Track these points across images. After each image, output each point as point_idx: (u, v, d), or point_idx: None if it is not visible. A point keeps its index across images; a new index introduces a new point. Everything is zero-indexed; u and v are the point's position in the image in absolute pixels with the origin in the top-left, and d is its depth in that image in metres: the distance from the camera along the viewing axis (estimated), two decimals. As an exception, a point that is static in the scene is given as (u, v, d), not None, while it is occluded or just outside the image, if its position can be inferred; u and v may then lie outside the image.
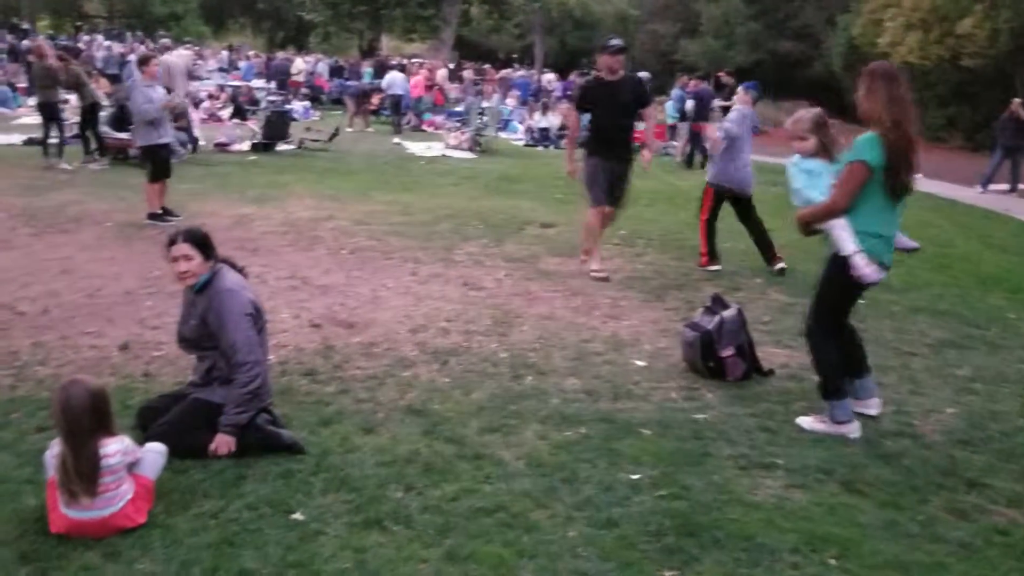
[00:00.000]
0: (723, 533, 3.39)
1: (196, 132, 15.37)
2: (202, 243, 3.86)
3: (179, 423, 3.77)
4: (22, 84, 21.92)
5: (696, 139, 17.16)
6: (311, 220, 9.55)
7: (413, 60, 30.48)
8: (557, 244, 8.93)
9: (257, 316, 3.93)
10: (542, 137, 20.48)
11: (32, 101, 19.71)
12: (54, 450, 3.14)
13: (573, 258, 8.27)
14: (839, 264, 4.20)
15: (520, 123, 23.09)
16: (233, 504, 3.37)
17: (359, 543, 3.17)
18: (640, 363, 5.36)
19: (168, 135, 9.49)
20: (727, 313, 5.17)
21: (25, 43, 27.73)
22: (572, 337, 5.82)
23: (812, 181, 4.34)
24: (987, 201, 14.67)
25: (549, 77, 28.63)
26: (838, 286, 4.30)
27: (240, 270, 4.01)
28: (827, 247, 4.36)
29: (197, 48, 21.90)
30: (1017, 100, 16.16)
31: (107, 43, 30.27)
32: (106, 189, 10.93)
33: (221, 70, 29.19)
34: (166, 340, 5.29)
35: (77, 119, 13.59)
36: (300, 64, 28.83)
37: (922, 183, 15.78)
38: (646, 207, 11.79)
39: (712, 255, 8.11)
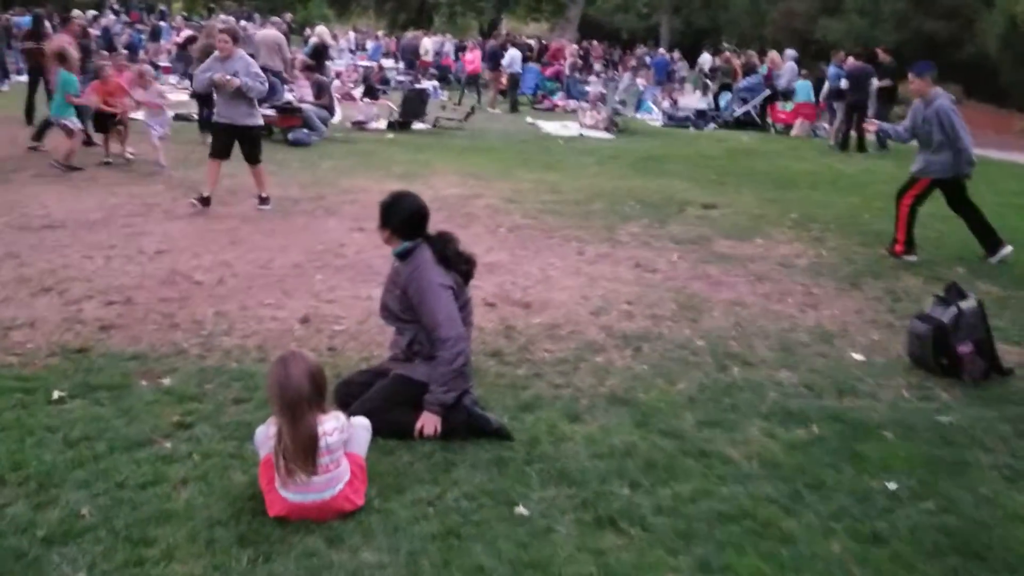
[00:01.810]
0: (1015, 557, 2.87)
1: (341, 109, 15.39)
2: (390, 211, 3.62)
3: (383, 400, 3.50)
4: (165, 63, 22.63)
5: (852, 120, 16.14)
6: (460, 198, 9.29)
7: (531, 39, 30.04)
8: (725, 226, 8.38)
9: (458, 291, 3.62)
10: (683, 118, 19.77)
11: (173, 79, 20.42)
12: (270, 429, 2.89)
13: (747, 241, 7.73)
14: None
15: (654, 103, 22.41)
16: (450, 492, 3.06)
17: (595, 544, 2.81)
18: (857, 357, 4.82)
19: (222, 113, 7.92)
20: (966, 304, 4.57)
21: (163, 23, 28.79)
22: (771, 326, 5.32)
23: None
24: None
25: (705, 58, 27.72)
26: None
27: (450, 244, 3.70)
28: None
29: (284, 26, 22.08)
30: None
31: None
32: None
33: (350, 51, 29.55)
34: (344, 314, 5.09)
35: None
36: (428, 44, 28.85)
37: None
38: (811, 190, 11.08)
39: (910, 243, 7.40)
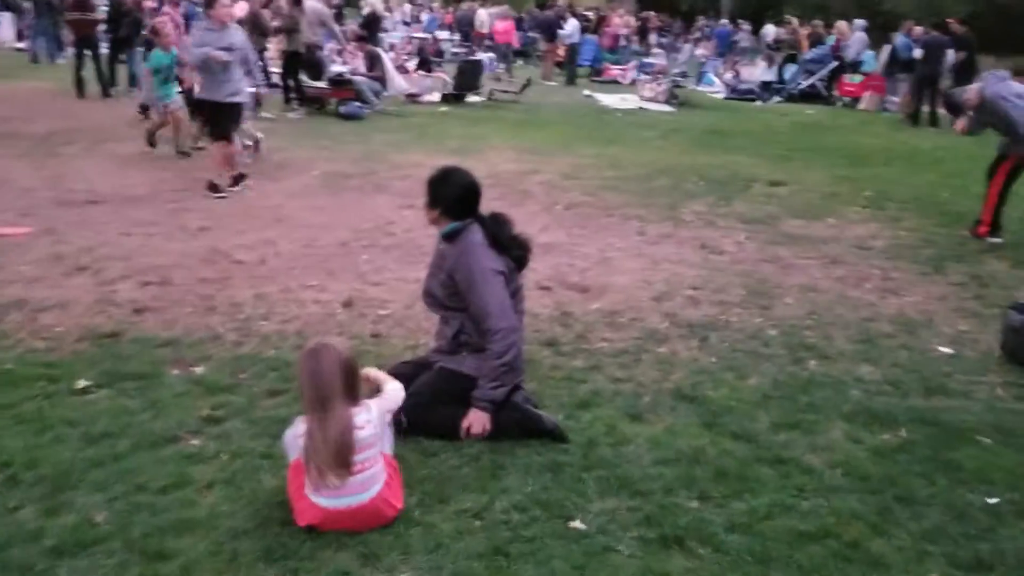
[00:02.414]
0: None
1: (397, 82, 15.09)
2: (438, 188, 3.31)
3: (428, 396, 3.22)
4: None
5: (923, 93, 15.37)
6: (516, 173, 8.96)
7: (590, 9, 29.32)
8: (794, 205, 7.92)
9: (510, 277, 3.31)
10: (746, 91, 19.10)
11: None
12: (298, 428, 2.63)
13: (818, 221, 7.28)
14: None
15: (716, 75, 21.71)
16: (499, 501, 2.78)
17: (662, 567, 2.50)
18: (945, 350, 4.41)
19: (226, 93, 7.19)
20: (1070, 294, 4.13)
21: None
22: (849, 314, 4.91)
23: None
24: None
25: (769, 29, 26.79)
26: None
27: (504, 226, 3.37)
28: None
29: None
30: None
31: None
32: (306, 138, 10.76)
33: (404, 23, 29.21)
34: (390, 298, 4.83)
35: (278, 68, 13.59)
36: (483, 16, 28.38)
37: None
38: (884, 167, 10.50)
39: (996, 225, 6.88)
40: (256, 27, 12.40)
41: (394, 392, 2.89)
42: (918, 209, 7.95)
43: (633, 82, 20.26)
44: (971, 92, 6.86)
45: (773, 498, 2.88)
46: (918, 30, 16.55)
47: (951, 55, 15.48)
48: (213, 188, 7.22)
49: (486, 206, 3.40)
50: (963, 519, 2.82)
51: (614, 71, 22.15)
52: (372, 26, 16.92)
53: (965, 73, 15.95)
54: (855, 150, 11.79)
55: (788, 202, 8.04)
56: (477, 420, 3.14)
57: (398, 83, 16.00)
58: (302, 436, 2.60)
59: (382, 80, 14.35)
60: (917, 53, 15.62)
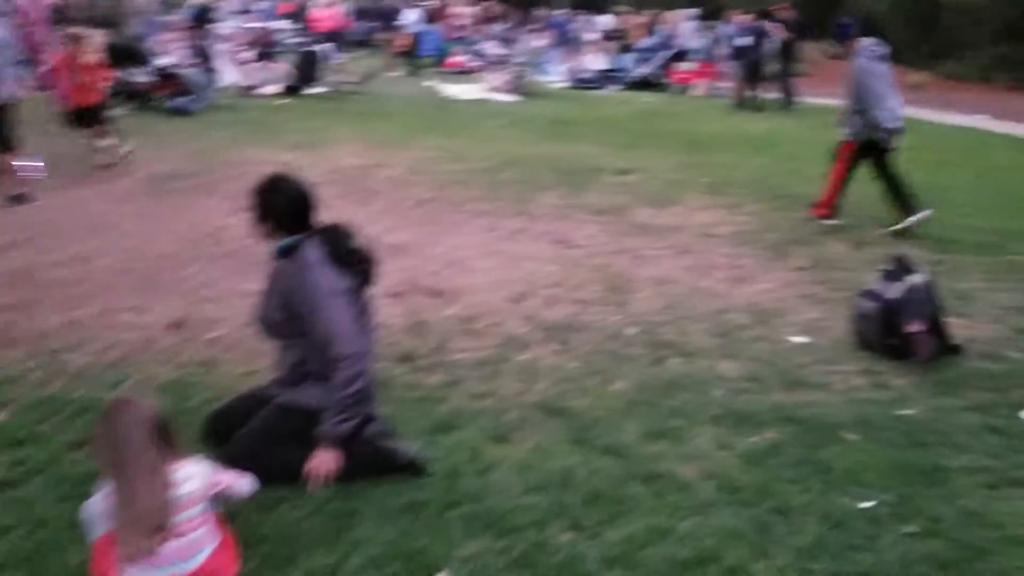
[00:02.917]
0: (1018, 592, 2.47)
1: (231, 74, 14.28)
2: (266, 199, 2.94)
3: (266, 435, 2.87)
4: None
5: (753, 79, 15.96)
6: (360, 168, 8.57)
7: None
8: (642, 193, 7.91)
9: (356, 295, 2.98)
10: (587, 79, 19.27)
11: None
12: (103, 501, 2.22)
13: (666, 209, 7.29)
14: None
15: (556, 64, 21.85)
16: (353, 557, 2.47)
17: (536, 619, 2.27)
18: (799, 339, 4.41)
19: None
20: (914, 279, 4.19)
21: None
22: (703, 305, 4.86)
23: None
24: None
25: (605, 19, 27.09)
26: None
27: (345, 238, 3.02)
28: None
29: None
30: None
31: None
32: (130, 137, 9.95)
33: (239, 12, 27.88)
34: (222, 317, 4.39)
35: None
36: (329, 5, 27.46)
37: (992, 123, 14.73)
38: (720, 152, 10.73)
39: (835, 208, 6.99)
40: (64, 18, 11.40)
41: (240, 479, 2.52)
42: (757, 194, 8.11)
43: (476, 71, 20.08)
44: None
45: (649, 521, 2.71)
46: (745, 18, 17.14)
47: (775, 40, 16.15)
48: (16, 199, 6.47)
49: (329, 204, 3.06)
50: (842, 528, 2.73)
51: (458, 61, 21.89)
52: (203, 15, 15.95)
53: (788, 57, 16.67)
54: (692, 136, 12.03)
55: (636, 191, 8.03)
56: (323, 461, 2.79)
57: (232, 75, 15.15)
58: (108, 507, 2.19)
59: (213, 72, 13.54)
60: (743, 40, 16.19)
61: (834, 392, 3.79)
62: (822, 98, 17.15)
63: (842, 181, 6.91)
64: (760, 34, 16.01)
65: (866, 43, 6.70)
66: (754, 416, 3.48)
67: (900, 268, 4.27)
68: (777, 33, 16.16)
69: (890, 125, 6.57)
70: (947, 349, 4.22)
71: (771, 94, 16.22)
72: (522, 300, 4.83)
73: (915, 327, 4.10)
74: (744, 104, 15.96)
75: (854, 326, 4.34)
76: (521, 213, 6.95)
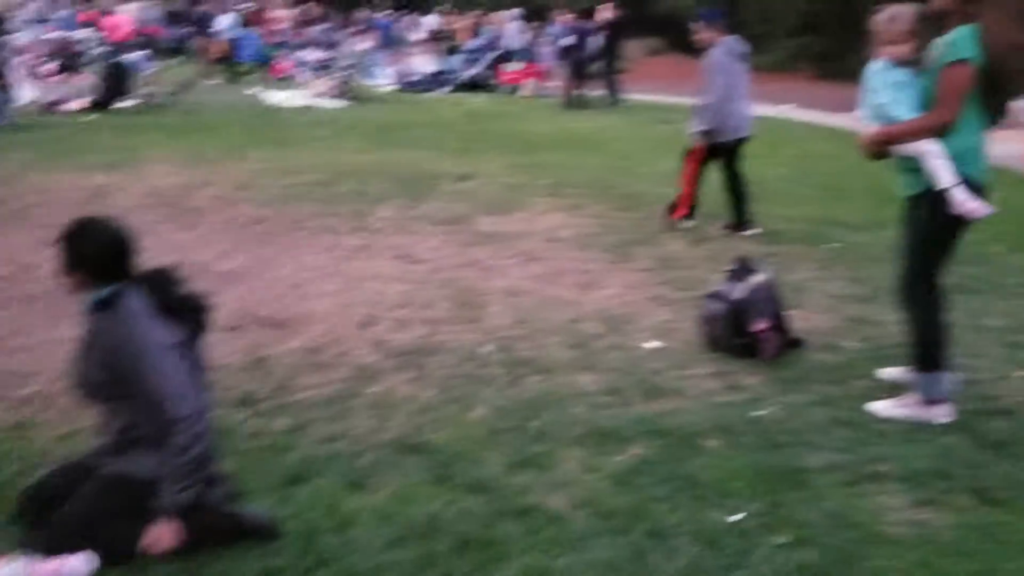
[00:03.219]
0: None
1: (29, 90, 13.15)
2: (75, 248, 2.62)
3: (94, 512, 2.54)
4: None
5: (579, 78, 16.27)
6: (182, 188, 8.05)
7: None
8: (483, 199, 7.83)
9: (187, 347, 2.69)
10: (416, 82, 19.07)
11: None
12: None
13: (508, 215, 7.24)
14: (936, 201, 3.38)
15: (385, 67, 21.54)
16: (203, 645, 2.21)
17: None
18: (652, 345, 4.42)
19: None
20: (757, 279, 4.29)
21: None
22: (555, 316, 4.81)
23: (898, 95, 3.46)
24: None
25: (430, 19, 26.83)
26: (937, 228, 3.48)
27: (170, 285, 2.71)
28: (906, 184, 3.53)
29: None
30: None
31: None
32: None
33: (36, 22, 25.86)
34: (35, 370, 3.94)
35: None
36: (132, 11, 25.88)
37: (799, 113, 15.68)
38: (554, 152, 10.84)
39: (692, 208, 6.90)
40: None
41: None
42: (596, 194, 8.20)
43: (300, 77, 19.48)
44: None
45: (525, 563, 2.58)
46: (568, 18, 17.46)
47: (598, 39, 16.54)
48: None
49: (149, 230, 2.76)
50: (715, 547, 2.70)
51: (281, 67, 21.16)
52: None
53: (611, 54, 17.10)
54: (527, 137, 12.10)
55: (476, 197, 7.94)
56: (161, 534, 2.50)
57: (31, 91, 14.00)
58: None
59: (8, 89, 12.41)
60: (568, 40, 16.48)
61: (691, 398, 3.80)
62: (644, 94, 17.76)
63: (696, 180, 6.83)
64: (584, 33, 16.35)
65: (726, 39, 6.61)
66: (618, 432, 3.43)
67: (743, 268, 4.36)
68: (600, 30, 16.55)
69: (741, 125, 6.59)
70: (790, 344, 4.34)
71: (597, 92, 16.60)
72: (370, 325, 4.61)
73: (761, 325, 4.19)
74: (572, 103, 16.25)
75: (703, 328, 4.39)
76: (361, 228, 6.71)
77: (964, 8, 3.27)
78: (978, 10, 3.23)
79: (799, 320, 4.71)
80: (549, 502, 2.92)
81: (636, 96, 17.24)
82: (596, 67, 16.97)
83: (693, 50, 6.97)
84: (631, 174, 9.38)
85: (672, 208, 6.90)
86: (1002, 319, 4.81)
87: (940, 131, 3.32)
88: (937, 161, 3.33)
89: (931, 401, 3.57)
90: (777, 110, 15.73)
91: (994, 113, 3.39)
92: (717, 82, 6.44)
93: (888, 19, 3.47)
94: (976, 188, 3.38)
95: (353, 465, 3.14)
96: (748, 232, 6.62)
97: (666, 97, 17.47)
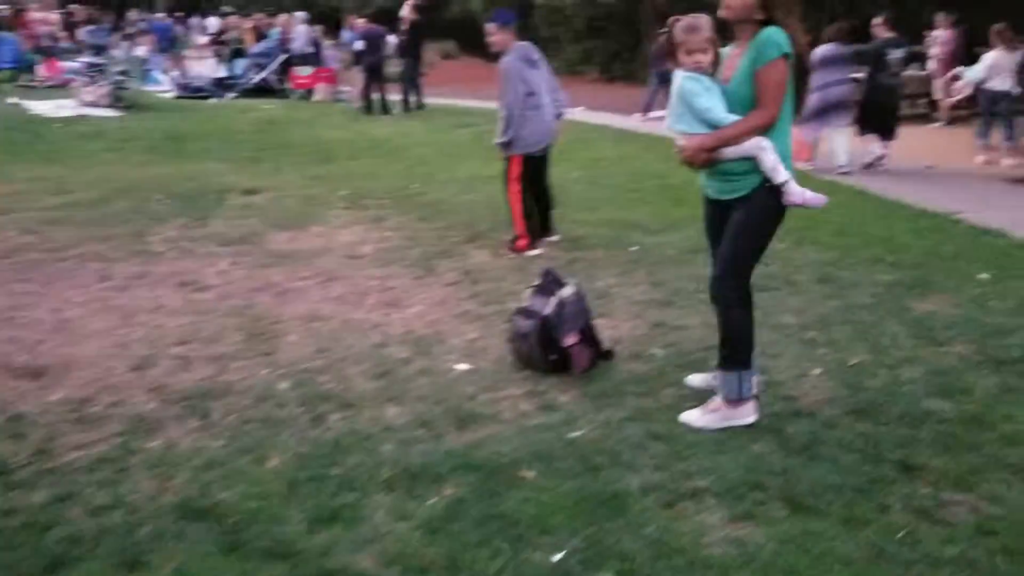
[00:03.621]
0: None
1: None
2: None
3: None
4: None
5: (372, 82, 15.91)
6: (-77, 214, 7.07)
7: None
8: (276, 215, 7.38)
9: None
10: (199, 88, 18.01)
11: None
12: None
13: (304, 231, 6.85)
14: (768, 197, 3.42)
15: (162, 73, 20.24)
16: None
17: None
18: (462, 367, 4.22)
19: None
20: (565, 292, 4.18)
21: None
22: (359, 342, 4.52)
23: (718, 101, 3.44)
24: (655, 127, 14.80)
25: (212, 22, 25.34)
26: (764, 226, 3.53)
27: None
28: (723, 189, 3.53)
29: None
30: (664, 30, 16.85)
31: None
32: None
33: None
34: None
35: None
36: None
37: (589, 115, 16.09)
38: (352, 160, 10.50)
39: (533, 233, 6.39)
40: None
41: None
42: (397, 204, 7.95)
43: (69, 84, 17.88)
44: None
45: (332, 640, 2.30)
46: (360, 23, 17.04)
47: (391, 42, 16.27)
48: None
49: None
50: (539, 593, 2.53)
51: (46, 73, 19.35)
52: None
53: (412, 57, 16.84)
54: (321, 145, 11.68)
55: (269, 212, 7.48)
56: None
57: None
58: None
59: None
60: (359, 45, 16.09)
61: (505, 422, 3.63)
62: (442, 98, 17.67)
63: (523, 201, 6.33)
64: (379, 37, 16.02)
65: (520, 44, 6.31)
66: (430, 469, 3.20)
67: (550, 281, 4.25)
68: (394, 34, 16.27)
69: (544, 134, 6.34)
70: (601, 355, 4.28)
71: (395, 96, 16.33)
72: (147, 367, 4.13)
73: (571, 340, 4.10)
74: (369, 108, 15.89)
75: (513, 346, 4.25)
76: (138, 253, 6.11)
77: (761, 15, 3.33)
78: (773, 16, 3.32)
79: (607, 329, 4.67)
80: (357, 562, 2.64)
81: (433, 100, 17.12)
82: (400, 70, 16.70)
83: (488, 54, 6.75)
84: (432, 181, 9.20)
85: (513, 241, 6.35)
86: (795, 316, 4.99)
87: (768, 128, 3.37)
88: (772, 156, 3.36)
89: (737, 401, 3.60)
90: (568, 113, 16.05)
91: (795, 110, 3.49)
92: (516, 91, 6.15)
93: (689, 29, 3.43)
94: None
95: (129, 539, 2.72)
96: (534, 252, 6.31)
97: (463, 101, 17.49)
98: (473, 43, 30.90)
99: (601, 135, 13.52)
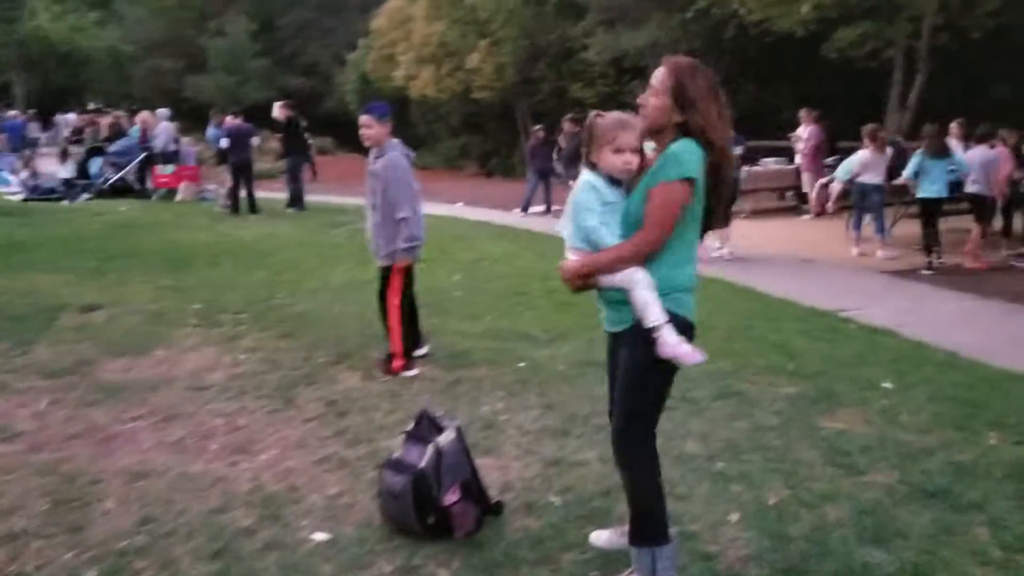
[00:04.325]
0: None
1: None
2: None
3: None
4: None
5: (240, 181, 15.13)
6: None
7: None
8: (114, 336, 6.48)
9: None
10: (48, 190, 16.77)
11: None
12: None
13: (145, 356, 6.00)
14: (646, 341, 2.84)
15: (11, 173, 18.88)
16: None
17: None
18: (318, 536, 3.48)
19: None
20: (444, 440, 3.52)
21: None
22: (194, 506, 3.71)
23: (610, 219, 2.92)
24: (535, 224, 14.53)
25: (70, 118, 24.00)
26: (651, 371, 2.91)
27: None
28: (611, 319, 2.99)
29: None
30: (539, 127, 17.01)
31: None
32: None
33: None
34: None
35: None
36: None
37: (468, 211, 15.72)
38: (211, 268, 9.65)
39: (410, 353, 5.76)
40: None
41: None
42: (255, 318, 7.17)
43: None
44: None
45: None
46: (228, 119, 16.27)
47: (256, 141, 15.61)
48: None
49: None
50: None
51: None
52: None
53: (289, 154, 16.15)
54: (178, 251, 10.77)
55: (106, 334, 6.56)
56: None
57: None
58: None
59: None
60: (225, 142, 15.34)
61: (370, 617, 2.92)
62: (315, 195, 17.00)
63: (402, 314, 5.66)
64: (247, 134, 15.31)
65: (396, 141, 5.71)
66: None
67: (426, 426, 3.59)
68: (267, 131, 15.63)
69: (421, 238, 5.67)
70: (488, 510, 3.63)
71: (263, 195, 15.59)
72: (-91, 561, 3.22)
73: (452, 497, 3.44)
74: (236, 208, 15.07)
75: (383, 506, 3.55)
76: (-67, 393, 5.12)
77: (679, 117, 2.83)
78: (691, 116, 2.80)
79: (494, 471, 4.06)
80: None
81: (308, 197, 16.42)
82: (283, 168, 16.06)
83: (362, 149, 6.12)
84: (299, 290, 8.47)
85: (388, 361, 5.67)
86: (701, 442, 4.48)
87: (649, 256, 2.83)
88: (645, 293, 2.82)
89: (653, 577, 2.99)
90: (448, 209, 15.70)
91: (705, 228, 2.95)
92: (412, 188, 5.59)
93: (621, 124, 2.88)
94: (686, 328, 2.90)
95: None
96: (411, 373, 5.66)
97: (336, 198, 16.90)
98: (348, 139, 30.56)
99: (481, 232, 13.11)
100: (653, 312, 2.80)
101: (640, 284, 2.81)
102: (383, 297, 5.72)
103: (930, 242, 9.88)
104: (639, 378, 2.93)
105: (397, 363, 5.66)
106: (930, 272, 9.63)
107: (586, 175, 2.96)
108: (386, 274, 5.69)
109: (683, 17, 19.15)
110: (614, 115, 2.93)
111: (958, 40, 14.86)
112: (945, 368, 5.84)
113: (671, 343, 2.80)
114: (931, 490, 3.89)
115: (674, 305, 2.86)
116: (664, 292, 2.83)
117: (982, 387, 5.39)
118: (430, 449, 3.46)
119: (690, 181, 2.77)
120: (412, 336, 5.86)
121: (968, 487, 3.91)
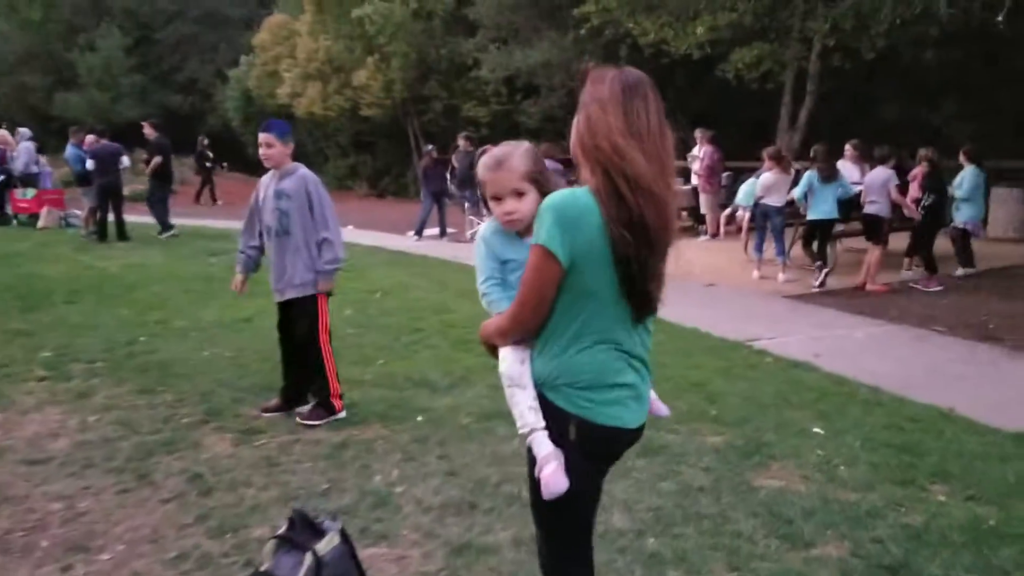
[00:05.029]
0: None
1: None
2: None
3: None
4: None
5: (108, 205, 13.92)
6: None
7: None
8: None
9: None
10: None
11: None
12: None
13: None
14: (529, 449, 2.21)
15: None
16: None
17: None
18: None
19: None
20: (323, 547, 2.83)
21: None
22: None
23: (507, 275, 2.31)
24: (430, 248, 13.94)
25: None
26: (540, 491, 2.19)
27: None
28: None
29: None
30: (431, 146, 16.50)
31: None
32: None
33: None
34: None
35: None
36: None
37: (359, 235, 14.87)
38: (68, 305, 8.61)
39: (342, 395, 5.25)
40: None
41: None
42: (112, 368, 6.27)
43: None
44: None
45: None
46: (90, 138, 14.97)
47: (126, 161, 14.44)
48: None
49: None
50: None
51: None
52: None
53: (164, 178, 15.02)
54: (33, 286, 9.66)
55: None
56: None
57: None
58: None
59: None
60: (90, 164, 14.10)
61: None
62: (190, 219, 15.89)
63: (331, 353, 5.18)
64: (113, 154, 14.09)
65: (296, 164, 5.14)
66: None
67: (302, 531, 2.89)
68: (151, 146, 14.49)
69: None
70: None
71: (134, 219, 14.42)
72: None
73: (334, 618, 2.76)
74: (103, 235, 13.85)
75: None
76: None
77: (591, 158, 2.09)
78: (608, 160, 2.04)
79: (389, 565, 3.40)
80: None
81: (183, 220, 15.33)
82: (150, 191, 14.91)
83: (247, 167, 5.40)
84: (166, 331, 7.56)
85: (323, 404, 5.15)
86: (627, 514, 3.90)
87: (512, 334, 2.20)
88: (512, 389, 2.20)
89: None
90: (344, 234, 14.83)
91: (640, 308, 2.19)
92: (332, 212, 5.11)
93: (494, 164, 2.25)
94: (593, 433, 2.17)
95: None
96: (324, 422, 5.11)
97: (217, 221, 15.85)
98: (230, 158, 29.16)
99: (374, 259, 12.35)
100: (520, 414, 2.18)
101: (505, 377, 2.21)
102: (289, 337, 5.20)
103: (817, 259, 10.04)
104: (533, 491, 2.25)
105: (339, 404, 5.19)
106: (819, 288, 9.70)
107: (485, 224, 2.39)
108: (292, 310, 5.14)
109: (576, 35, 18.91)
110: (492, 152, 2.30)
111: (849, 61, 15.04)
112: (871, 407, 5.49)
113: (542, 453, 2.16)
114: (888, 564, 3.44)
115: (567, 403, 2.15)
116: (552, 386, 2.16)
117: (913, 429, 5.05)
118: (307, 560, 2.77)
119: (547, 252, 2.04)
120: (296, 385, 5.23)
121: (927, 560, 3.47)
